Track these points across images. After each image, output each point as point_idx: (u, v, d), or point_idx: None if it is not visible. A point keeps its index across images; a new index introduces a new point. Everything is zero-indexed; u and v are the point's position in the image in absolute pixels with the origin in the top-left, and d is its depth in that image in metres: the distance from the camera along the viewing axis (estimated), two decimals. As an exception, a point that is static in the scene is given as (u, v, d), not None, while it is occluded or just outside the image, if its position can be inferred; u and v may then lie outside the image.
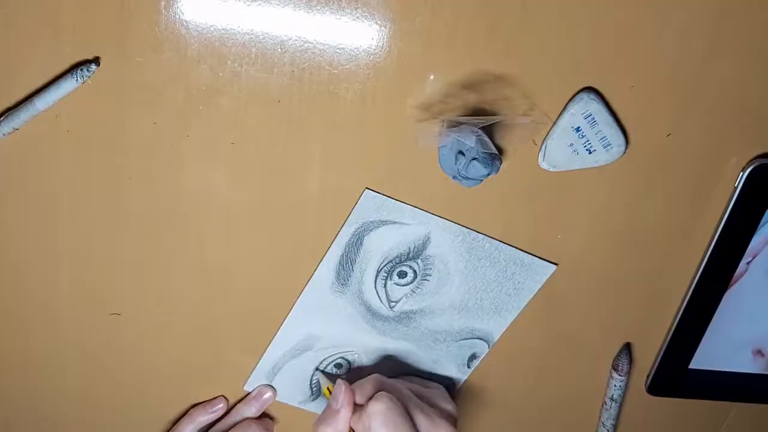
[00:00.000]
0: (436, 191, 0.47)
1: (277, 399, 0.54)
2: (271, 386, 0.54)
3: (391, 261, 0.49)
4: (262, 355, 0.52)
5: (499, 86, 0.43)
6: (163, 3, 0.41)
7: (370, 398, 0.45)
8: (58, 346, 0.52)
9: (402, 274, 0.50)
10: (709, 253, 0.49)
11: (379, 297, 0.50)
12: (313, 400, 0.54)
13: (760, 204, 0.47)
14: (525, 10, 0.41)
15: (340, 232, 0.47)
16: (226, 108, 0.44)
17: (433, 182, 0.46)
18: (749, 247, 0.49)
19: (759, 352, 0.54)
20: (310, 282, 0.49)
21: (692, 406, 0.57)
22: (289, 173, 0.46)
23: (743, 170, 0.46)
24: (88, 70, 0.41)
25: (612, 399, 0.55)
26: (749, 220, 0.48)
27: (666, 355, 0.53)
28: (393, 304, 0.51)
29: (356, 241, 0.48)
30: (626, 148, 0.45)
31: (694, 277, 0.50)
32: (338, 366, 0.53)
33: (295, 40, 0.42)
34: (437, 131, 0.43)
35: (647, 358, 0.54)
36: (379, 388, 0.47)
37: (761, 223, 0.48)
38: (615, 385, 0.54)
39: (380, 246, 0.48)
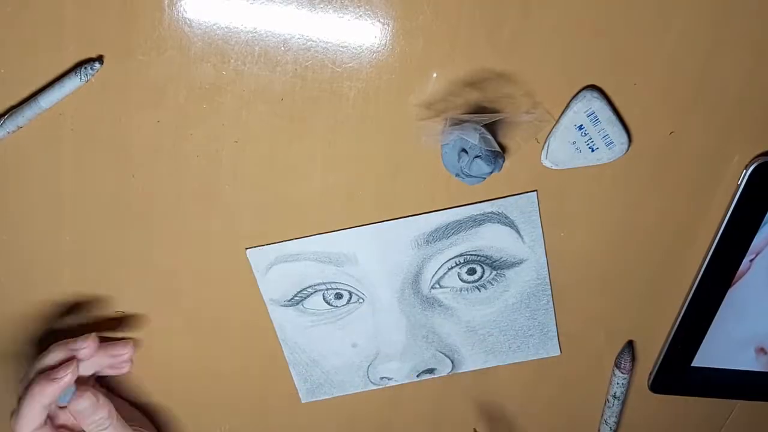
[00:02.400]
0: (438, 189, 0.47)
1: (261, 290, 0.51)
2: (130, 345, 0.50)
3: (478, 255, 0.49)
4: (286, 240, 0.49)
5: (502, 84, 0.43)
6: (166, 1, 0.41)
7: None
8: (62, 344, 0.53)
9: (471, 272, 0.50)
10: (711, 250, 0.49)
11: (435, 273, 0.50)
12: (291, 305, 0.51)
13: (763, 202, 0.47)
14: (527, 8, 0.41)
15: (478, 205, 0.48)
16: (229, 106, 0.44)
17: (436, 180, 0.46)
18: (752, 244, 0.49)
19: (762, 350, 0.54)
20: (406, 219, 0.48)
21: (694, 403, 0.57)
22: (292, 171, 0.46)
23: (746, 168, 0.46)
24: (91, 69, 0.41)
25: (614, 396, 0.55)
26: (752, 218, 0.48)
27: (668, 353, 0.53)
28: (436, 287, 0.51)
29: (473, 223, 0.48)
30: (629, 146, 0.45)
31: (697, 275, 0.50)
32: (338, 296, 0.51)
33: (298, 38, 0.42)
34: (440, 129, 0.43)
35: (650, 355, 0.54)
36: None
37: (764, 221, 0.48)
38: (617, 383, 0.54)
39: (485, 238, 0.48)
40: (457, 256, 0.49)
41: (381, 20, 0.42)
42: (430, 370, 0.54)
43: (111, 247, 0.49)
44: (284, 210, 0.47)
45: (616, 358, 0.54)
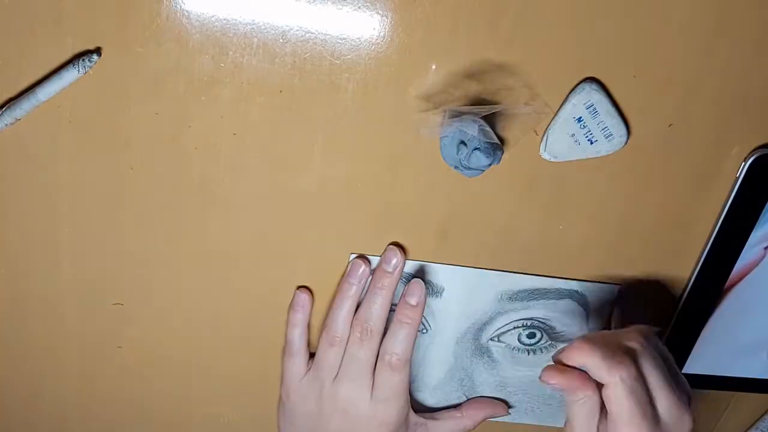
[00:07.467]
0: (437, 182, 0.47)
1: None
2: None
3: (544, 323, 0.51)
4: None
5: (501, 76, 0.43)
6: (164, -7, 0.41)
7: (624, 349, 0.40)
8: (60, 337, 0.53)
9: (531, 335, 0.52)
10: (710, 243, 0.49)
11: (500, 327, 0.52)
12: None
13: (762, 194, 0.47)
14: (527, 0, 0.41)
15: None
16: (227, 98, 0.44)
17: (435, 172, 0.46)
18: (765, 232, 0.49)
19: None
20: (500, 273, 0.50)
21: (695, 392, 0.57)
22: (290, 164, 0.46)
23: (745, 160, 0.46)
24: (89, 61, 0.41)
25: None
26: (751, 210, 0.48)
27: (669, 344, 0.53)
28: (495, 340, 0.52)
29: (556, 295, 0.50)
30: (628, 138, 0.45)
31: (695, 269, 0.50)
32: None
33: (297, 30, 0.42)
34: (439, 121, 0.43)
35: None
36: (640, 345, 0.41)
37: (762, 214, 0.48)
38: None
39: (557, 310, 0.51)
40: (526, 319, 0.51)
41: (379, 12, 0.42)
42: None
43: (109, 239, 0.48)
44: (281, 200, 0.47)
45: None
